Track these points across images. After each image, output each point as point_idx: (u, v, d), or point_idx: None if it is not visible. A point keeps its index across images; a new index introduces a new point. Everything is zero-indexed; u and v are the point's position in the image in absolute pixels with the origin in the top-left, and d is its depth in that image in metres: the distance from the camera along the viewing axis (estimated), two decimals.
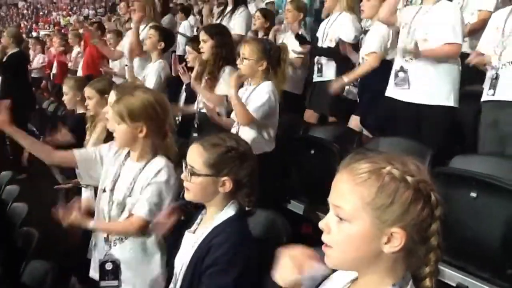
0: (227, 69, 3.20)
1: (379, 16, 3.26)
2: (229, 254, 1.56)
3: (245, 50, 2.77)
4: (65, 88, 3.59)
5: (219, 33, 3.30)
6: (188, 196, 1.67)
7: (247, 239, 1.63)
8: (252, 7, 7.97)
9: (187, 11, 8.75)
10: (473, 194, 2.21)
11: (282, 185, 3.25)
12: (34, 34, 21.70)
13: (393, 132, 3.06)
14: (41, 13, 28.28)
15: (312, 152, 3.10)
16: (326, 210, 1.04)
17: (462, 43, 2.91)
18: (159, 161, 1.99)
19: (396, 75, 3.00)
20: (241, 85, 2.96)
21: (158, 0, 5.62)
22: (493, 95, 2.62)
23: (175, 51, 6.93)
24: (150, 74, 3.96)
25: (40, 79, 9.36)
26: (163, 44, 3.98)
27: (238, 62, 2.84)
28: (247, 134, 2.75)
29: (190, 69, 3.72)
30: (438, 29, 2.84)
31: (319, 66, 3.95)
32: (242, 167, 1.62)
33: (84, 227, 2.01)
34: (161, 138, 2.02)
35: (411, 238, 0.95)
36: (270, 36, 4.43)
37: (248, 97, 2.81)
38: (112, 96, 2.13)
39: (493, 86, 2.61)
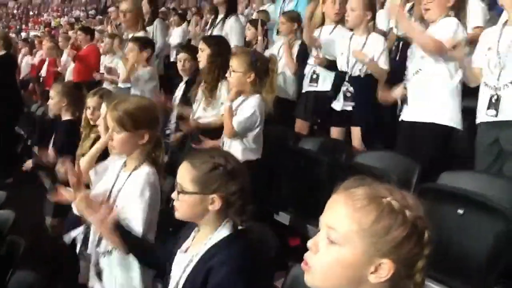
0: (225, 85, 3.18)
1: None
2: (232, 277, 1.53)
3: (233, 63, 2.81)
4: (52, 93, 3.58)
5: (217, 43, 3.33)
6: (177, 214, 1.65)
7: (246, 261, 1.58)
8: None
9: (182, 17, 8.77)
10: (460, 211, 2.23)
11: (272, 196, 3.27)
12: (23, 34, 21.52)
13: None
14: (31, 13, 28.04)
15: (302, 163, 3.11)
16: (315, 222, 1.04)
17: (446, 49, 2.75)
18: (143, 171, 2.00)
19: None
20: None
21: (149, 6, 5.63)
22: (496, 115, 2.58)
23: (169, 56, 6.94)
24: (141, 82, 3.99)
25: (28, 82, 9.28)
26: (145, 54, 4.03)
27: (227, 74, 2.86)
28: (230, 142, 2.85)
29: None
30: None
31: (315, 76, 3.88)
32: (231, 184, 1.60)
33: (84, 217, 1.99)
34: (154, 146, 2.04)
35: (398, 271, 0.95)
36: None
37: (236, 109, 2.85)
38: (103, 108, 2.14)
39: (495, 106, 2.58)
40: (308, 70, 3.94)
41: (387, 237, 0.95)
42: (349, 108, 3.53)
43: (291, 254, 2.30)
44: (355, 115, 3.51)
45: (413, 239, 0.96)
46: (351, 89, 3.53)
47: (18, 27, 25.26)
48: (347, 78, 3.55)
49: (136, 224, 1.91)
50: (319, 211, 1.05)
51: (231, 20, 4.82)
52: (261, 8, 6.77)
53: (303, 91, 4.00)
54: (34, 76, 9.28)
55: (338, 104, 3.59)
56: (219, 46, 3.29)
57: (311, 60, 3.95)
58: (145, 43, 4.13)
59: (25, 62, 9.73)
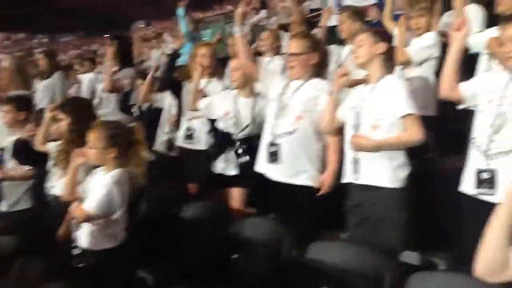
0: None
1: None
2: None
3: (91, 138, 2.52)
4: None
5: (76, 109, 3.00)
6: None
7: None
8: None
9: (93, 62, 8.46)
10: None
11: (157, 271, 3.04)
12: None
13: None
14: None
15: (181, 232, 2.92)
16: None
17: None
18: None
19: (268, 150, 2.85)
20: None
21: (47, 60, 5.43)
22: (357, 179, 2.52)
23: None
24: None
25: None
26: (23, 115, 3.71)
27: (84, 149, 2.59)
28: (86, 227, 2.53)
29: None
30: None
31: (191, 132, 3.69)
32: None
33: None
34: None
35: None
36: None
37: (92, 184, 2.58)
38: None
39: (355, 170, 2.52)
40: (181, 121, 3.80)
41: None
42: (232, 173, 3.34)
43: None
44: (240, 176, 3.29)
45: None
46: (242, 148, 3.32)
47: None
48: (238, 139, 3.33)
49: None
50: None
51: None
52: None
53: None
54: None
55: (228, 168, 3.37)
56: (80, 112, 2.98)
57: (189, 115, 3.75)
58: (22, 104, 3.74)
59: None
